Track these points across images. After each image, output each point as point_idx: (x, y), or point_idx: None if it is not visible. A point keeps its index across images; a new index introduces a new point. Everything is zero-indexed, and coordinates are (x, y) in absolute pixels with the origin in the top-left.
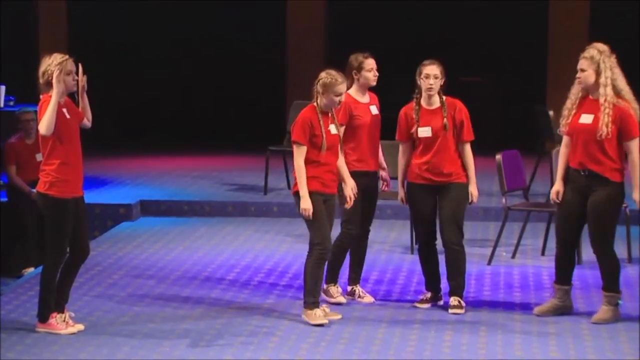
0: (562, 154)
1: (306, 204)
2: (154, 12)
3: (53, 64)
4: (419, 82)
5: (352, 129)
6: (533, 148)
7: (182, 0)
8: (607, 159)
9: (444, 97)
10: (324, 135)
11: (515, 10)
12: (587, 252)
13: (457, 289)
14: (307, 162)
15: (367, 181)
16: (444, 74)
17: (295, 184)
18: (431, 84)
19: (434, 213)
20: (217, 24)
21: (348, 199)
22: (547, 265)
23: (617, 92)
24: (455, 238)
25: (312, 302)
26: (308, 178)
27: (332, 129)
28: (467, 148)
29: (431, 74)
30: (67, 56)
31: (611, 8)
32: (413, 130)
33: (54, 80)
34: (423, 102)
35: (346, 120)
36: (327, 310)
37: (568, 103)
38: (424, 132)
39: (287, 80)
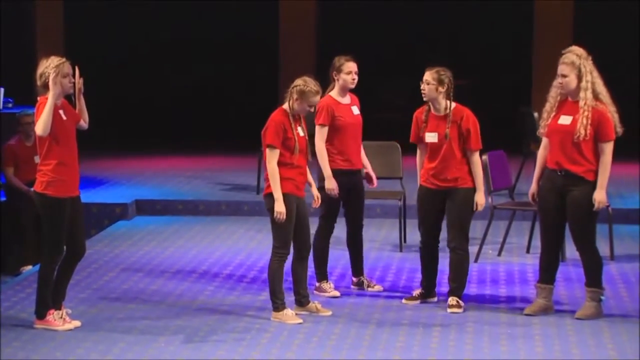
0: (540, 156)
1: (281, 207)
2: (150, 14)
3: (50, 66)
4: None
5: (335, 129)
6: (518, 148)
7: (177, 2)
8: (584, 159)
9: (454, 105)
10: (296, 138)
11: (500, 12)
12: (570, 250)
13: (457, 290)
14: (281, 164)
15: (352, 179)
16: (445, 80)
17: (267, 187)
18: (422, 89)
19: (439, 217)
20: (211, 26)
21: (316, 198)
22: (532, 262)
23: (596, 96)
24: (459, 243)
25: (279, 304)
26: (283, 179)
27: (300, 131)
28: (475, 157)
29: (424, 79)
30: (64, 59)
31: (596, 10)
32: (422, 134)
33: (50, 83)
34: (432, 108)
35: (329, 121)
36: (319, 306)
37: (547, 106)
38: (431, 137)
39: (279, 81)
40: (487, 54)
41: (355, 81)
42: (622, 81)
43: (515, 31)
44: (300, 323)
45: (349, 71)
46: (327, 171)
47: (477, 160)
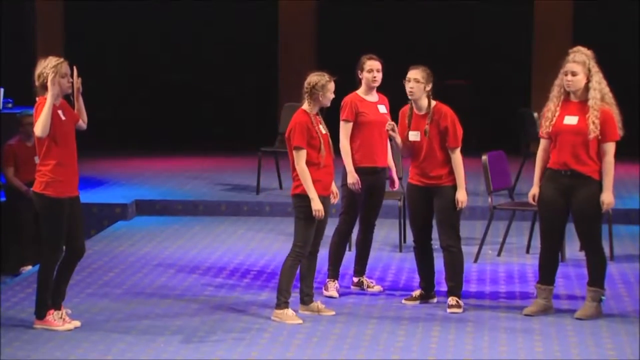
0: (540, 158)
1: (318, 205)
2: (150, 14)
3: (48, 66)
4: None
5: (358, 126)
6: (518, 149)
7: (177, 2)
8: (590, 159)
9: (434, 103)
10: (320, 137)
11: (500, 12)
12: (570, 250)
13: (454, 289)
14: (309, 165)
15: (373, 178)
16: (430, 79)
17: (296, 186)
18: (411, 88)
19: (429, 214)
20: (211, 27)
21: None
22: (531, 262)
23: (602, 97)
24: (450, 240)
25: (283, 301)
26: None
27: (322, 129)
28: (455, 155)
29: (412, 78)
30: (62, 59)
31: (596, 10)
32: (405, 133)
33: (48, 83)
34: (414, 107)
35: (353, 117)
36: (322, 306)
37: (551, 105)
38: (414, 136)
39: (278, 82)
40: (486, 55)
41: (377, 79)
42: (621, 81)
43: (515, 31)
44: (299, 323)
45: (369, 69)
46: (349, 166)
47: (457, 157)
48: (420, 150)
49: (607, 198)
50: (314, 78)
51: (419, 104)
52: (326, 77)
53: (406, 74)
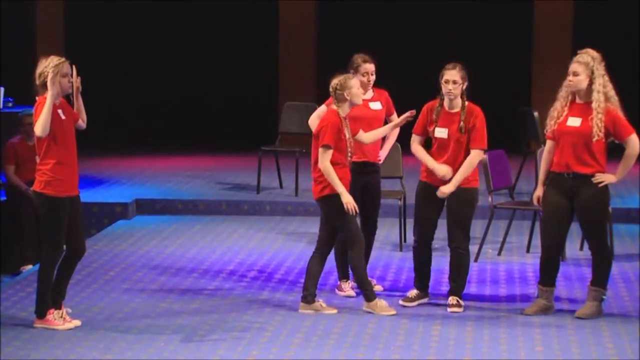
0: (545, 159)
1: (347, 198)
2: (150, 14)
3: (49, 66)
4: (440, 84)
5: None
6: (518, 148)
7: (177, 2)
8: (594, 161)
9: (467, 103)
10: (347, 140)
11: (500, 11)
12: (570, 250)
13: (457, 289)
14: (335, 165)
15: (366, 178)
16: (466, 78)
17: (322, 189)
18: (450, 89)
19: (437, 215)
20: (212, 26)
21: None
22: (532, 262)
23: (607, 100)
24: (461, 242)
25: (370, 292)
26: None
27: (346, 132)
28: (474, 153)
29: (450, 80)
30: (63, 59)
31: (595, 10)
32: (431, 128)
33: (48, 83)
34: (445, 104)
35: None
36: (323, 305)
37: (558, 105)
38: (441, 132)
39: (279, 81)
40: (486, 54)
41: (372, 82)
42: (621, 81)
43: (515, 31)
44: (393, 314)
45: (364, 72)
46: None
47: (474, 157)
48: (445, 148)
49: (608, 178)
50: (334, 80)
51: (454, 102)
52: (347, 75)
53: (403, 69)
